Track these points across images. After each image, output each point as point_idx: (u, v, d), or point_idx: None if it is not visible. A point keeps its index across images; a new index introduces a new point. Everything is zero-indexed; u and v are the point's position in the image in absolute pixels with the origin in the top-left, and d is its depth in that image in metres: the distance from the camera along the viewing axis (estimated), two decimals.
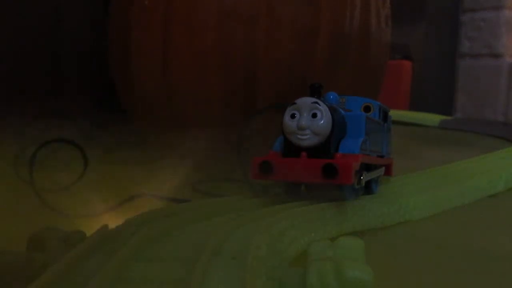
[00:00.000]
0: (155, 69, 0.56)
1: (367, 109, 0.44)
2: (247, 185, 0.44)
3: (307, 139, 0.35)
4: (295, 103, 0.36)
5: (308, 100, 0.36)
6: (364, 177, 0.36)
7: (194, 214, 0.32)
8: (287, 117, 0.36)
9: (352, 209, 0.37)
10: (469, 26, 1.47)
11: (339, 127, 0.37)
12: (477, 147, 0.89)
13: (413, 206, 0.42)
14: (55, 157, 0.51)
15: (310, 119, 0.35)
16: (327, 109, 0.36)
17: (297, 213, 0.33)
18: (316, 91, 0.36)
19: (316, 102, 0.35)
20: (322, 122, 0.35)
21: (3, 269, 0.23)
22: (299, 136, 0.35)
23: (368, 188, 0.42)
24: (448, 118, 1.26)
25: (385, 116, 0.47)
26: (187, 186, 0.48)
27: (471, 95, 1.48)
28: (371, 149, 0.40)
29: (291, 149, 0.36)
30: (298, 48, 0.53)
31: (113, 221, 0.29)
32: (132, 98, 0.61)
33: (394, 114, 0.53)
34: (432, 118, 1.21)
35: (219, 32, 0.52)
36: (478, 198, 0.50)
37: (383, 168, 0.46)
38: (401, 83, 1.42)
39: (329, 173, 0.33)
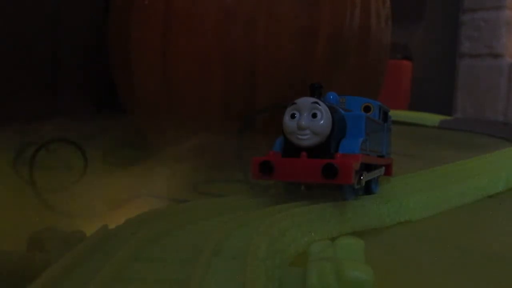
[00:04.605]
0: (155, 69, 0.56)
1: (367, 109, 0.44)
2: (247, 185, 0.44)
3: (307, 139, 0.35)
4: (295, 103, 0.36)
5: (308, 100, 0.36)
6: (364, 177, 0.36)
7: (194, 214, 0.32)
8: (287, 117, 0.36)
9: (352, 209, 0.37)
10: (469, 26, 1.47)
11: (339, 127, 0.37)
12: (477, 147, 0.88)
13: (413, 206, 0.42)
14: (55, 157, 0.51)
15: (310, 119, 0.35)
16: (327, 109, 0.36)
17: (297, 213, 0.33)
18: (316, 91, 0.37)
19: (316, 102, 0.35)
20: (322, 122, 0.35)
21: (3, 269, 0.23)
22: (299, 136, 0.35)
23: (368, 188, 0.42)
24: (448, 118, 1.26)
25: (385, 116, 0.47)
26: (187, 186, 0.48)
27: (471, 95, 1.48)
28: (371, 149, 0.40)
29: (291, 149, 0.36)
30: (298, 48, 0.53)
31: (113, 221, 0.29)
32: (132, 98, 0.61)
33: (394, 114, 0.53)
34: (432, 118, 1.21)
35: (219, 32, 0.52)
36: (478, 198, 0.50)
37: (383, 168, 0.46)
38: (401, 83, 1.41)
39: (329, 173, 0.33)
